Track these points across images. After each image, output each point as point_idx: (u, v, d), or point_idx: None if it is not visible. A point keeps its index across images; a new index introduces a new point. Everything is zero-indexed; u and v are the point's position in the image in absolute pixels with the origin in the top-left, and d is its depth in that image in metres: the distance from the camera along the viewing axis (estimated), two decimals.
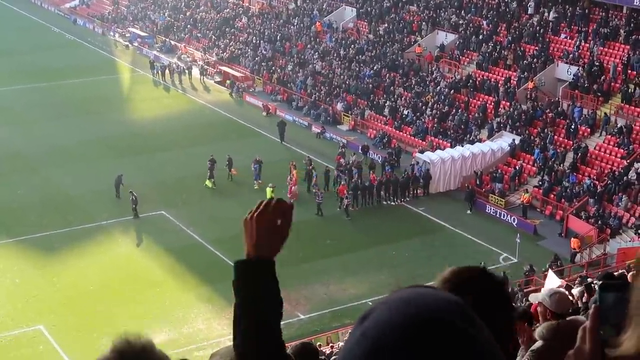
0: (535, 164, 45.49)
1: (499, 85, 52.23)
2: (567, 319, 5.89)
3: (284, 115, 58.06)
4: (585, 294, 12.09)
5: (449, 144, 49.10)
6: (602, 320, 1.64)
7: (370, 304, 29.57)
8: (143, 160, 49.77)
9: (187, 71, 68.64)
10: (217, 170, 46.20)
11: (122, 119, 58.06)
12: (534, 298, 7.36)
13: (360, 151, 49.84)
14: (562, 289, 6.81)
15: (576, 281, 23.18)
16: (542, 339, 5.79)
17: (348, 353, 1.46)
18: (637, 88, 46.27)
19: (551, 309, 5.93)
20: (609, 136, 45.13)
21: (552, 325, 5.85)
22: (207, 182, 46.05)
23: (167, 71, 67.76)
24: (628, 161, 42.58)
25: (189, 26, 78.12)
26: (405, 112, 53.59)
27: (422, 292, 1.51)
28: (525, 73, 51.76)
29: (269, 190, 41.96)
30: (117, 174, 44.73)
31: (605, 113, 46.15)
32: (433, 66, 57.46)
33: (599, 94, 47.58)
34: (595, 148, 44.92)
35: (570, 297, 9.93)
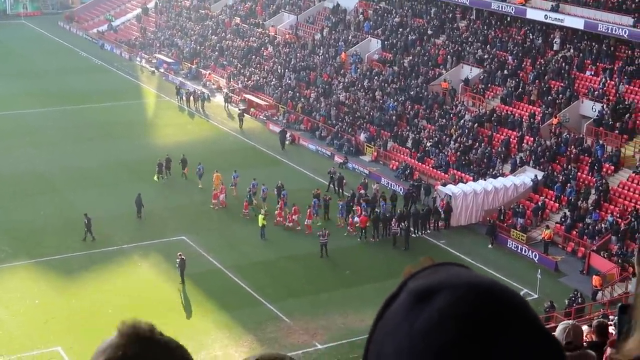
0: (556, 200, 45.26)
1: (523, 120, 52.12)
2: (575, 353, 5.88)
3: (307, 144, 58.26)
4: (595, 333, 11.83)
5: (471, 178, 48.97)
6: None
7: None
8: (165, 185, 49.95)
9: (211, 98, 69.05)
10: (173, 168, 50.89)
11: (146, 143, 58.42)
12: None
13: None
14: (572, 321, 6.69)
15: (595, 320, 22.90)
16: None
17: (428, 336, 1.34)
18: None
19: None
20: (633, 174, 44.86)
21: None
22: (155, 177, 50.22)
23: (191, 98, 68.20)
24: None
25: (215, 53, 78.67)
26: (429, 144, 53.55)
27: (487, 280, 1.43)
28: (550, 109, 51.64)
29: (260, 217, 43.21)
30: (137, 192, 44.99)
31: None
32: (457, 99, 57.46)
33: (623, 132, 47.43)
34: (618, 186, 44.65)
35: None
